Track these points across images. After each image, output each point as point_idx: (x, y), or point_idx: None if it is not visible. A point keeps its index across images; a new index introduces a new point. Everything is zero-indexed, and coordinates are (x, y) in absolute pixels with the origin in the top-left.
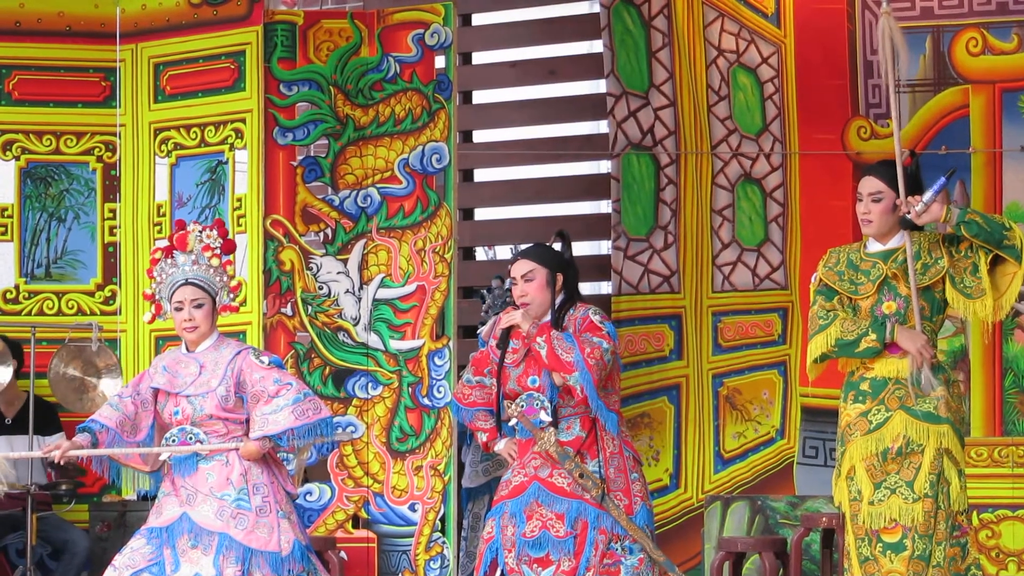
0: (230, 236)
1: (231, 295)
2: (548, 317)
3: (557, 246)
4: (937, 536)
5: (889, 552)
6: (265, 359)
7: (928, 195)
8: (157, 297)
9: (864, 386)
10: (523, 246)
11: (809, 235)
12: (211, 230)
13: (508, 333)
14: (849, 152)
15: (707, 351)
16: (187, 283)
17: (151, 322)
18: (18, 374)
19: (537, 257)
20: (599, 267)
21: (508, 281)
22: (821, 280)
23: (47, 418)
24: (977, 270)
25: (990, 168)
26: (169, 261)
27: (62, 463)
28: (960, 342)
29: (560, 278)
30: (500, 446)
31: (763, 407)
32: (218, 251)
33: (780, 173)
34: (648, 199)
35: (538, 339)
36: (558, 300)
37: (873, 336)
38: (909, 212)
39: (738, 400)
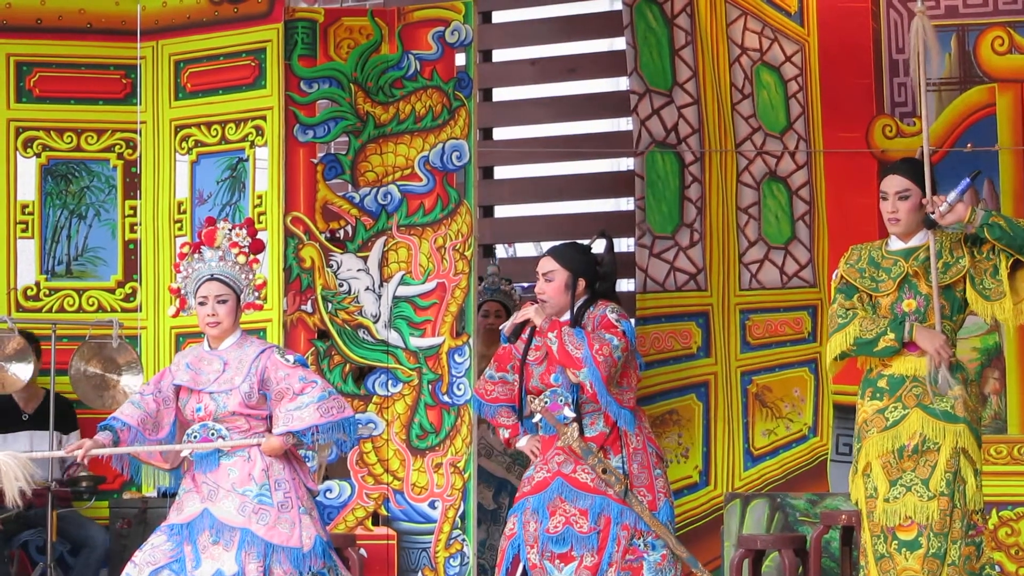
0: (259, 236)
1: (255, 293)
2: (567, 318)
3: (600, 245)
4: (952, 535)
5: (904, 550)
6: (290, 357)
7: (953, 195)
8: (183, 291)
9: (882, 383)
10: (545, 244)
11: (836, 233)
12: (240, 228)
13: (521, 327)
14: (874, 150)
15: (735, 348)
16: (212, 278)
17: (175, 316)
18: (38, 370)
19: (561, 258)
20: (621, 265)
21: (491, 276)
22: (842, 277)
23: (65, 415)
24: (997, 272)
25: (1019, 166)
26: (196, 256)
27: (85, 462)
28: (994, 340)
29: (582, 283)
30: (522, 442)
31: (795, 405)
32: (246, 249)
33: (805, 171)
34: (673, 197)
35: (549, 335)
36: (581, 301)
37: (892, 335)
38: (934, 212)
39: (768, 398)
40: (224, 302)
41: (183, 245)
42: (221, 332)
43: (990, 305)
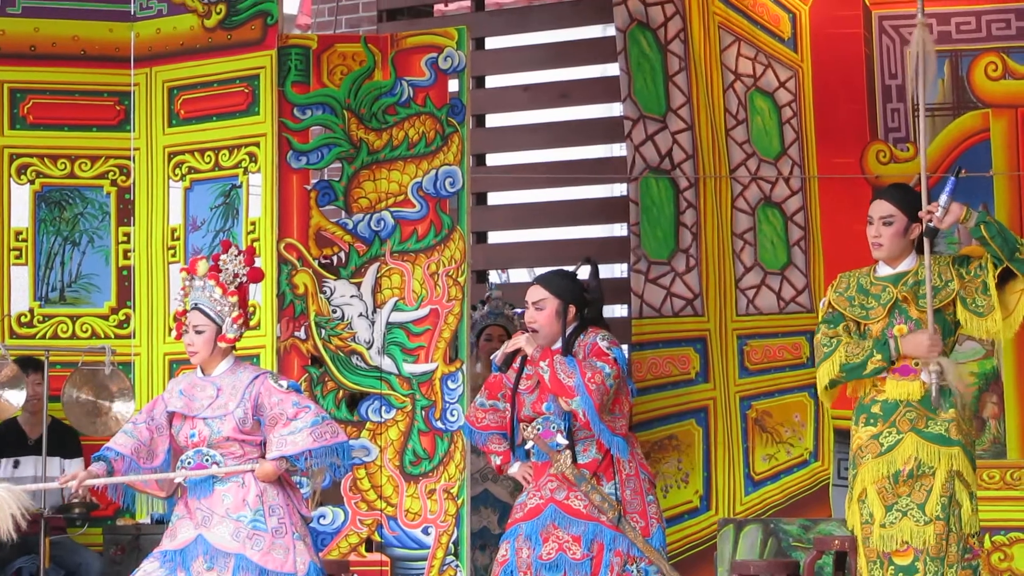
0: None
1: (234, 326)
2: (558, 346)
3: (584, 270)
4: (948, 559)
5: (901, 575)
6: (284, 383)
7: (944, 197)
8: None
9: (875, 408)
10: (538, 269)
11: (831, 259)
12: (238, 256)
13: (513, 356)
14: (868, 176)
15: (733, 374)
16: (196, 308)
17: (177, 339)
18: (45, 395)
19: (550, 286)
20: (614, 290)
21: (495, 300)
22: (830, 305)
23: (68, 442)
24: (987, 288)
25: (1013, 192)
26: (191, 283)
27: (80, 492)
28: (992, 364)
29: (572, 310)
30: (514, 469)
31: (795, 429)
32: (225, 282)
33: (800, 197)
34: (668, 222)
35: (541, 363)
36: (572, 328)
37: (879, 356)
38: (932, 220)
39: (768, 423)
40: (200, 332)
41: (182, 270)
42: (198, 360)
43: (983, 321)
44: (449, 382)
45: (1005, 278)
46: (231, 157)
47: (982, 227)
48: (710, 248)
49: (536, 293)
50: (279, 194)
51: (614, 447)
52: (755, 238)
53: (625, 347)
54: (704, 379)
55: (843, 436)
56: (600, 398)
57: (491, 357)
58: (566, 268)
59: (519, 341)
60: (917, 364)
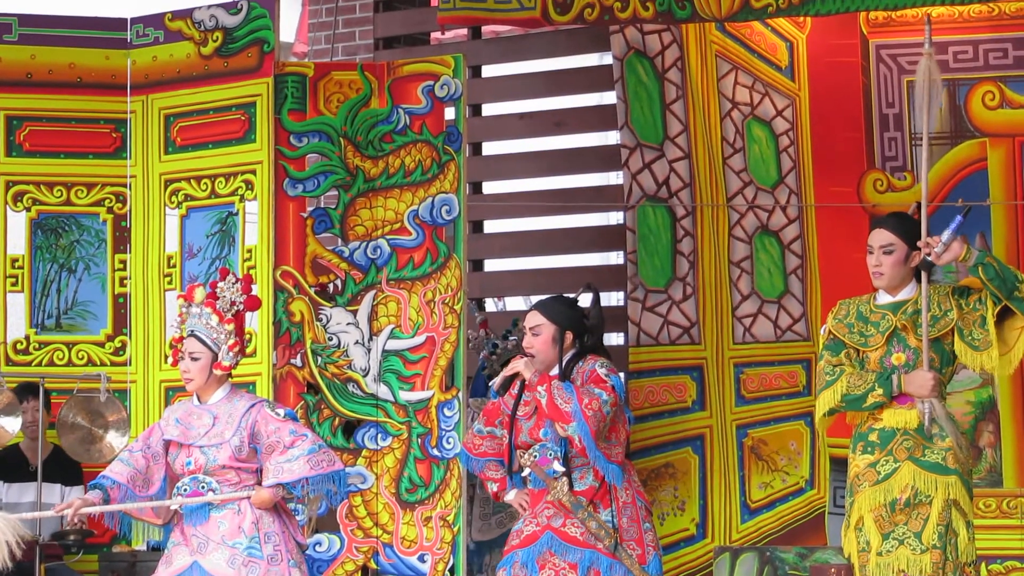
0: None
1: (230, 354)
2: (555, 371)
3: (585, 297)
4: None
5: None
6: (280, 411)
7: (947, 234)
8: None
9: (873, 437)
10: (534, 297)
11: (829, 287)
12: (235, 284)
13: (511, 381)
14: (865, 205)
15: (730, 402)
16: (192, 335)
17: (173, 366)
18: (46, 423)
19: (547, 312)
20: (610, 318)
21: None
22: (831, 332)
23: (70, 469)
24: (985, 323)
25: (1011, 221)
26: (187, 310)
27: (77, 520)
28: (988, 393)
29: (570, 336)
30: (510, 496)
31: (791, 458)
32: (222, 309)
33: (797, 225)
34: (665, 251)
35: (539, 388)
36: (570, 354)
37: (880, 391)
38: (930, 253)
39: (764, 451)
40: (196, 359)
41: (178, 296)
42: (194, 388)
43: (980, 356)
44: (445, 409)
45: (1004, 314)
46: (227, 184)
47: (980, 269)
48: (707, 276)
49: (533, 319)
50: (275, 222)
51: (609, 475)
52: (752, 266)
53: (622, 375)
54: (700, 407)
55: (839, 464)
56: (596, 424)
57: (489, 383)
58: (566, 295)
59: (518, 366)
60: None
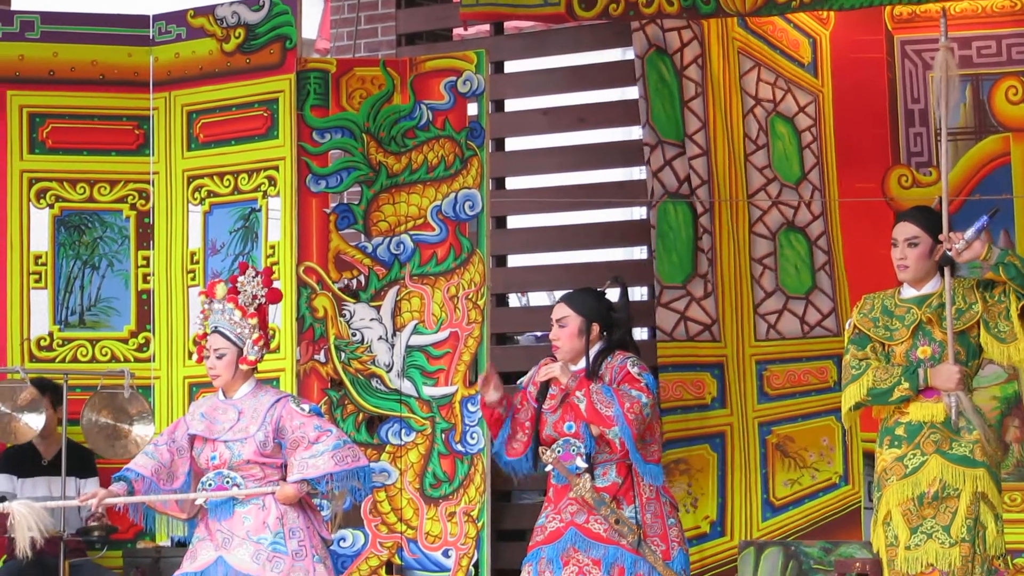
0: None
1: (255, 348)
2: (582, 364)
3: (613, 292)
4: None
5: None
6: (305, 407)
7: (970, 232)
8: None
9: (899, 431)
10: (557, 293)
11: (856, 283)
12: (255, 277)
13: (548, 384)
14: (889, 200)
15: (752, 399)
16: (216, 331)
17: (198, 363)
18: (55, 420)
19: (574, 304)
20: (634, 313)
21: None
22: (856, 327)
23: (84, 463)
24: (1010, 315)
25: None
26: (210, 307)
27: (100, 511)
28: (1014, 388)
29: (596, 328)
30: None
31: (823, 453)
32: (244, 304)
33: (822, 221)
34: (685, 247)
35: (577, 393)
36: (597, 347)
37: (906, 384)
38: (951, 248)
39: (790, 448)
40: (222, 356)
41: (200, 293)
42: (221, 384)
43: (1006, 348)
44: (469, 405)
45: None
46: (250, 181)
47: (1001, 269)
48: (727, 274)
49: (560, 310)
50: (298, 218)
51: (648, 475)
52: (776, 263)
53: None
54: (721, 404)
55: (872, 459)
56: (639, 428)
57: (518, 383)
58: (593, 288)
59: (554, 370)
60: None
